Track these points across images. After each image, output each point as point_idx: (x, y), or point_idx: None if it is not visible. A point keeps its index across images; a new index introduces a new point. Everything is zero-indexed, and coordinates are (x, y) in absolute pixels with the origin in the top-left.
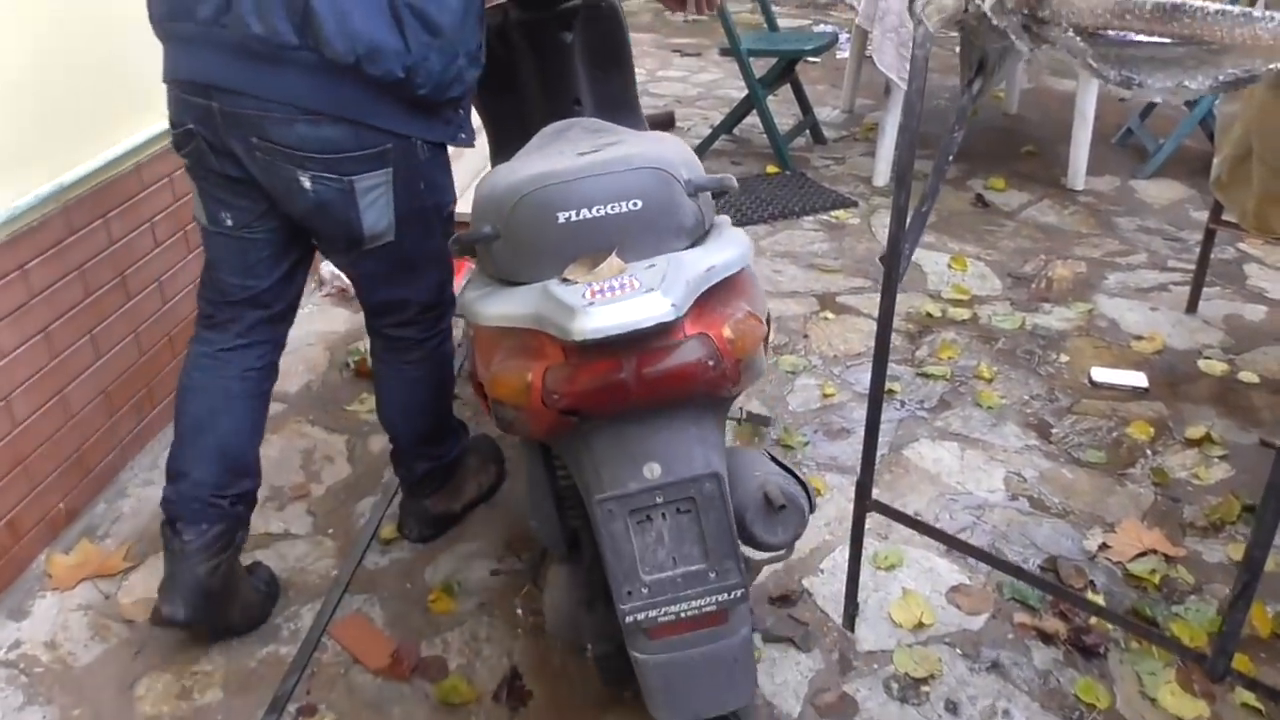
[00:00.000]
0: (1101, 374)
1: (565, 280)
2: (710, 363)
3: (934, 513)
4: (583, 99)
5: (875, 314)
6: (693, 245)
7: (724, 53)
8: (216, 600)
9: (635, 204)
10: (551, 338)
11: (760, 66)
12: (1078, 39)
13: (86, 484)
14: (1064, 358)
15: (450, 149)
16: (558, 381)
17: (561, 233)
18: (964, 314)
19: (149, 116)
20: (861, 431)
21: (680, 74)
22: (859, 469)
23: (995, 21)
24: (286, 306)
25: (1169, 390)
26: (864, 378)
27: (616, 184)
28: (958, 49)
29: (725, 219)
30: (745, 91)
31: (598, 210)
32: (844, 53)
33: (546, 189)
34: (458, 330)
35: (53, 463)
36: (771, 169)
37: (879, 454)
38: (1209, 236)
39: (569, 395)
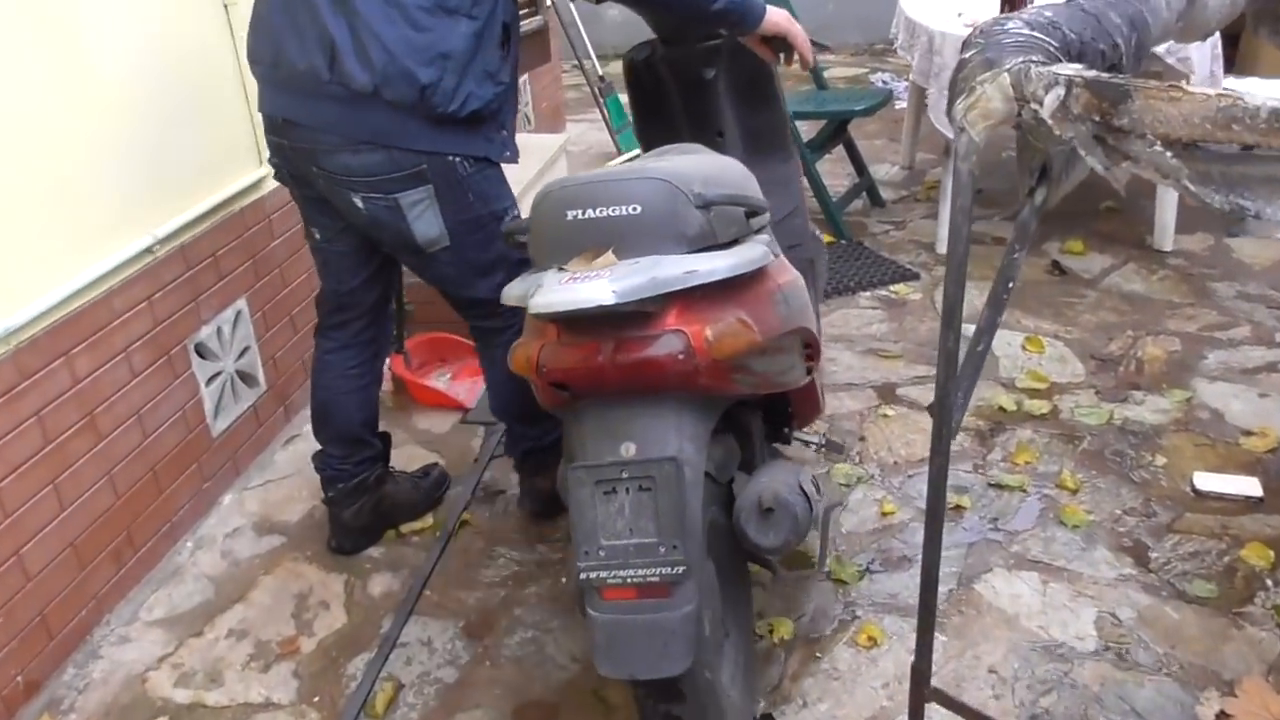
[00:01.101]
0: (1206, 480)
1: (562, 269)
2: (681, 357)
3: (1011, 669)
4: (725, 131)
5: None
6: (701, 251)
7: None
8: (365, 531)
9: (634, 209)
10: (554, 320)
11: (809, 127)
12: (1168, 154)
13: (50, 650)
14: (1160, 460)
15: None
16: (547, 357)
17: (569, 228)
18: (1042, 407)
19: (120, 236)
20: None
21: None
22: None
23: (1058, 131)
24: (374, 306)
25: None
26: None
27: (620, 190)
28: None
29: (762, 238)
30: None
31: (600, 211)
32: (902, 102)
33: (563, 189)
34: None
35: (6, 633)
36: (826, 239)
37: (946, 588)
38: None
39: (555, 370)
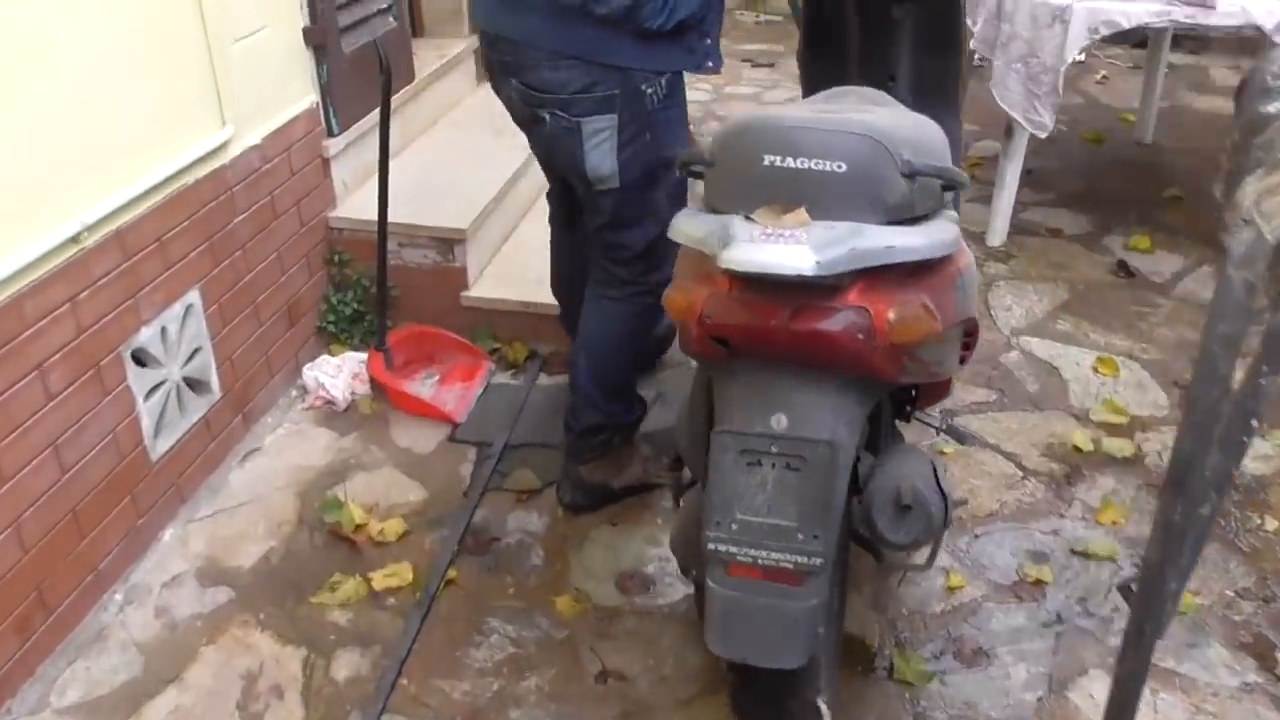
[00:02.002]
0: None
1: (750, 219)
2: (860, 336)
3: None
4: (898, 76)
5: (1008, 444)
6: (896, 224)
7: None
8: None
9: (839, 166)
10: (727, 271)
11: None
12: None
13: None
14: (1271, 523)
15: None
16: (714, 308)
17: (763, 174)
18: (1124, 447)
19: (35, 224)
20: (1006, 654)
21: (750, 89)
22: None
23: None
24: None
25: None
26: (1001, 555)
27: (826, 141)
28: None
29: (952, 214)
30: None
31: (801, 162)
32: None
33: (763, 130)
34: None
35: None
36: None
37: (1034, 694)
38: None
39: (722, 324)
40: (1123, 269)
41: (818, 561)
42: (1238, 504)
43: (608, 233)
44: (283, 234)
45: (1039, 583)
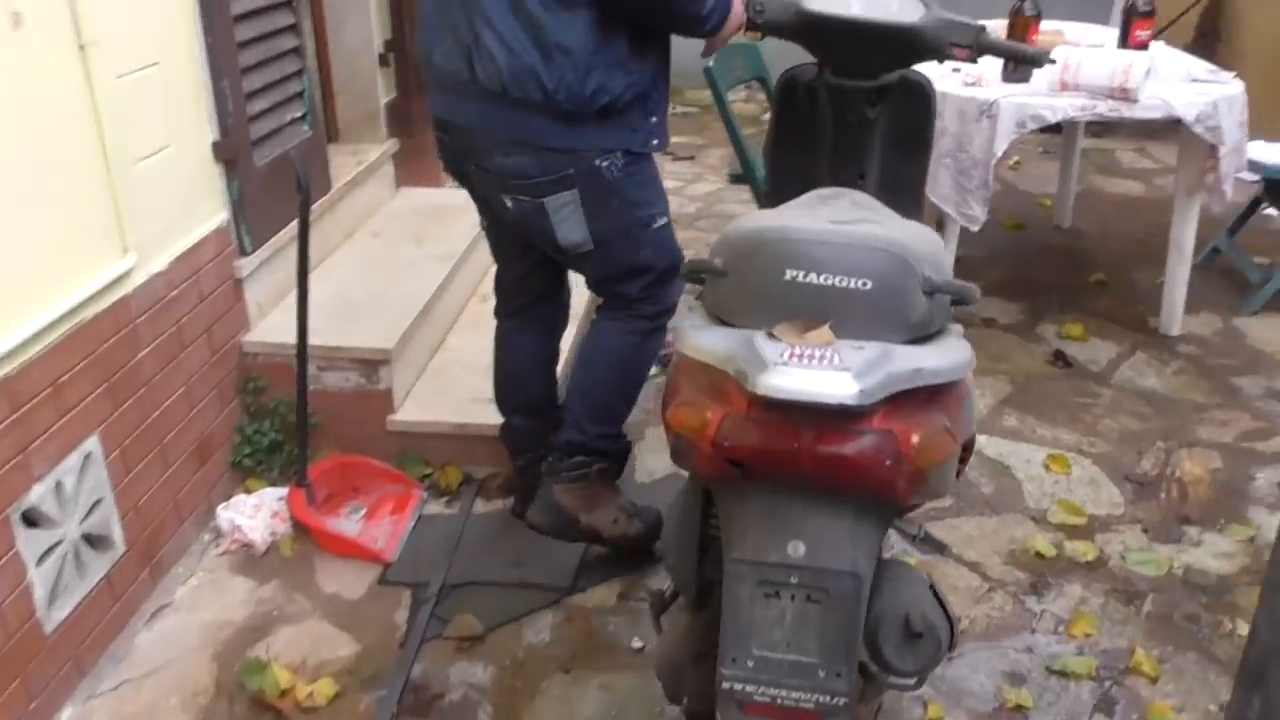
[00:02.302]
0: None
1: (772, 335)
2: (888, 462)
3: None
4: (867, 174)
5: (969, 552)
6: (913, 342)
7: (736, 180)
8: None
9: (864, 283)
10: (740, 385)
11: None
12: None
13: None
14: (1243, 626)
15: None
16: (732, 429)
17: (785, 289)
18: (1087, 550)
19: None
20: None
21: (673, 184)
22: None
23: None
24: (549, 290)
25: None
26: (977, 679)
27: (850, 258)
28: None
29: (958, 328)
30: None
31: (825, 278)
32: None
33: (783, 242)
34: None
35: None
36: None
37: None
38: None
39: (739, 446)
40: (1060, 359)
41: (842, 701)
42: (1206, 606)
43: (602, 286)
44: (192, 365)
45: (1020, 708)
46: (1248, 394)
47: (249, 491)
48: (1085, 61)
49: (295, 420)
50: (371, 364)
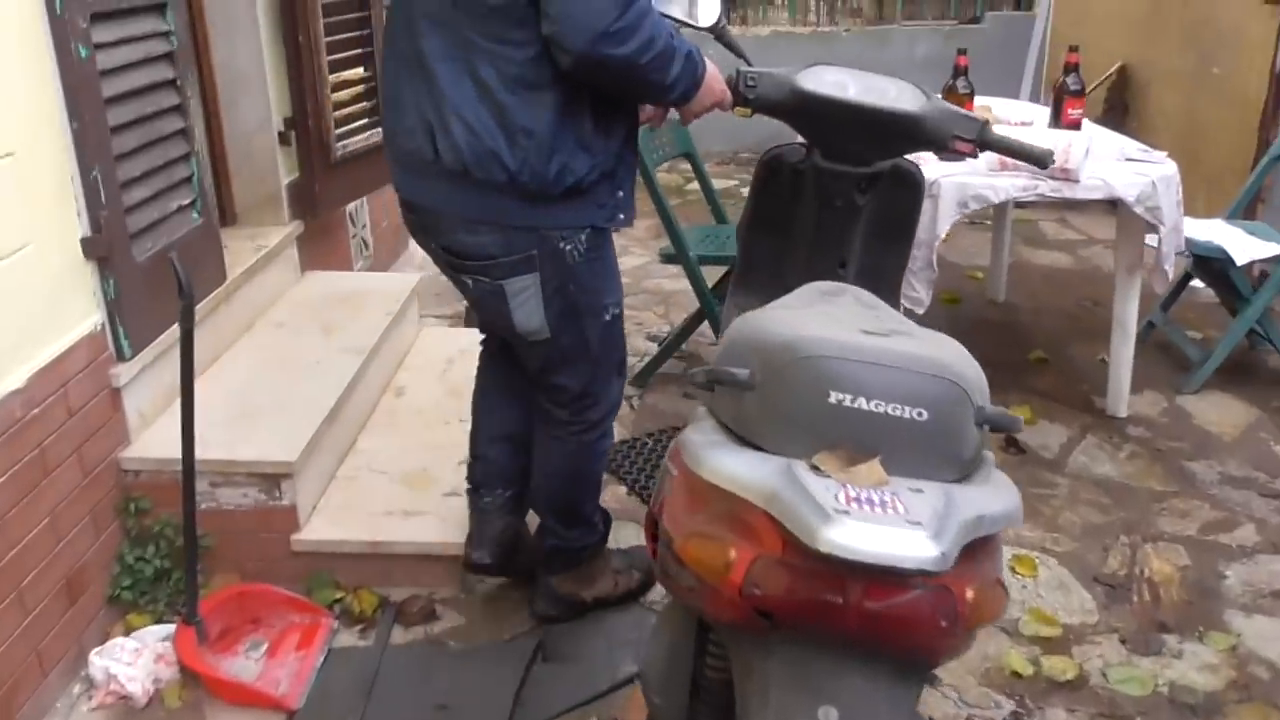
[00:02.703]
0: None
1: (816, 469)
2: (944, 622)
3: None
4: (848, 263)
5: (942, 673)
6: (961, 480)
7: (668, 259)
8: (506, 552)
9: (920, 414)
10: (774, 522)
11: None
12: None
13: None
14: None
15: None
16: (765, 576)
17: (828, 413)
18: (1066, 668)
19: None
20: None
21: None
22: None
23: None
24: None
25: None
26: None
27: (907, 384)
28: None
29: (990, 457)
30: (685, 284)
31: (877, 405)
32: None
33: (827, 360)
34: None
35: None
36: None
37: None
38: None
39: (773, 596)
40: (1012, 445)
41: None
42: None
43: (544, 376)
44: (58, 492)
45: None
46: (1203, 480)
47: (130, 629)
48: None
49: (184, 547)
50: (272, 478)
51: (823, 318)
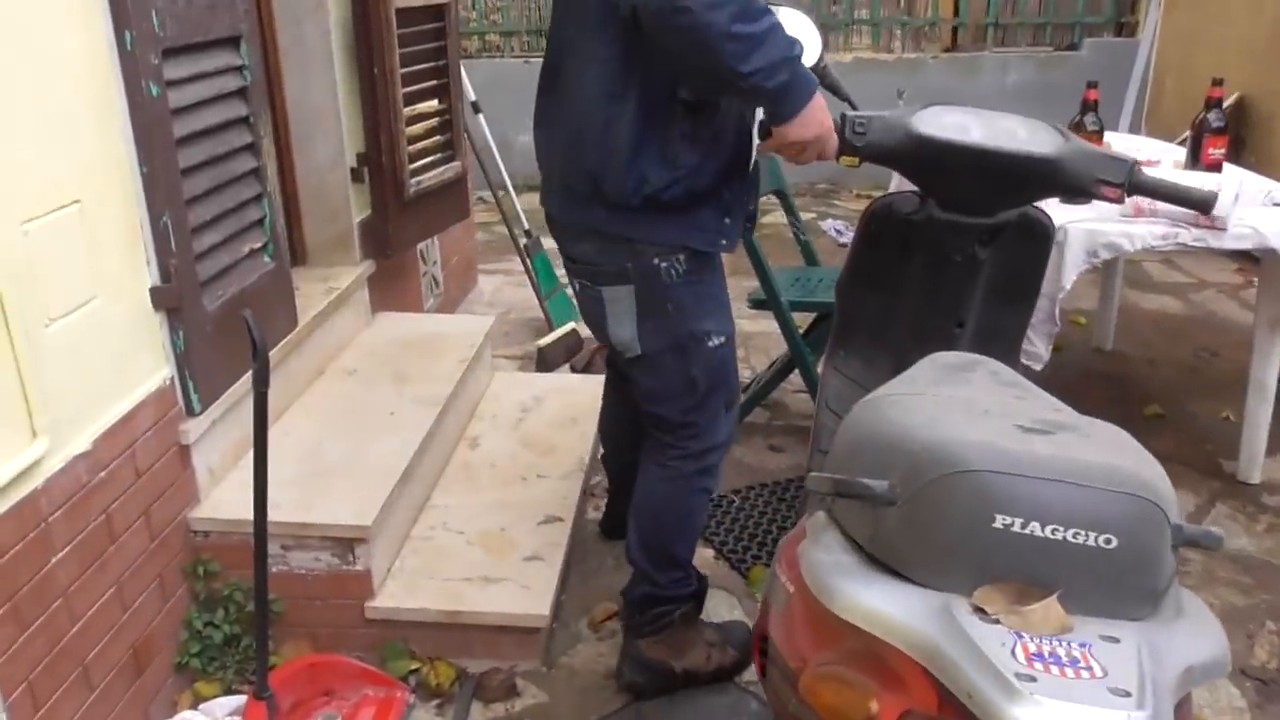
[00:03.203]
0: None
1: (981, 611)
2: None
3: None
4: (965, 323)
5: None
6: (1151, 616)
7: (757, 305)
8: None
9: (1108, 540)
10: (926, 671)
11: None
12: None
13: None
14: None
15: None
16: None
17: (994, 541)
18: None
19: None
20: None
21: None
22: None
23: None
24: None
25: None
26: None
27: (1091, 505)
28: None
29: (1175, 583)
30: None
31: (1054, 531)
32: None
33: (992, 476)
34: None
35: None
36: None
37: None
38: None
39: None
40: None
41: None
42: None
43: (645, 404)
44: (125, 558)
45: None
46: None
47: (198, 698)
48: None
49: (255, 614)
50: (346, 543)
51: (967, 409)
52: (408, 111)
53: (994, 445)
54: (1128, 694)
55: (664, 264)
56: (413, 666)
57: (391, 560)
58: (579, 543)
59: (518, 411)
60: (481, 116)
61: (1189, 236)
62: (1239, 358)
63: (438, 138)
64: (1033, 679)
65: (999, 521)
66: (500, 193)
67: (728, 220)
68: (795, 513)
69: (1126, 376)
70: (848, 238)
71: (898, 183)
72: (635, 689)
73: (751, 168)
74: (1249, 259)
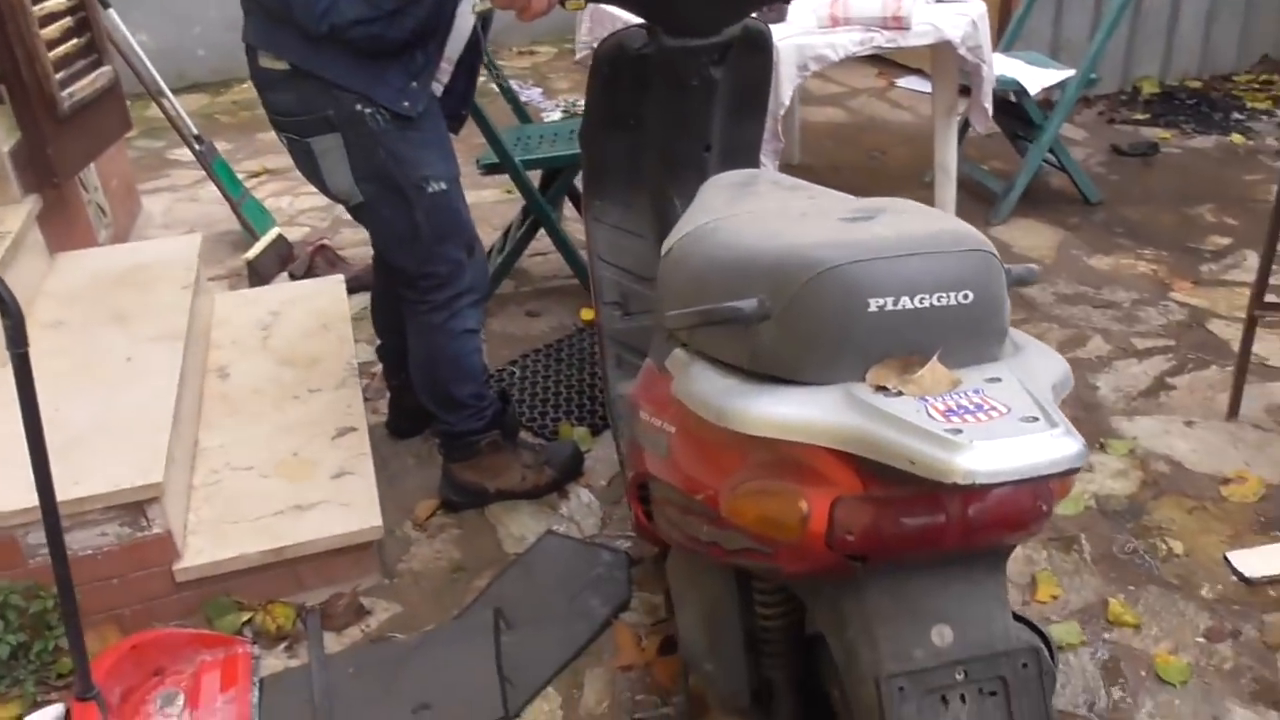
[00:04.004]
0: (1247, 564)
1: (882, 389)
2: (1044, 506)
3: None
4: (713, 145)
5: None
6: (1006, 355)
7: (489, 170)
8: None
9: (966, 296)
10: (844, 460)
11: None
12: None
13: None
14: (1177, 545)
15: None
16: (854, 517)
17: (871, 323)
18: None
19: None
20: None
21: None
22: None
23: None
24: None
25: None
26: None
27: (948, 268)
28: None
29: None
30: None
31: (921, 300)
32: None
33: (857, 266)
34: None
35: None
36: (588, 314)
37: None
38: (1251, 325)
39: (868, 537)
40: None
41: None
42: (1133, 532)
43: (382, 254)
44: None
45: None
46: (1043, 303)
47: None
48: None
49: (54, 609)
50: (135, 507)
51: (785, 216)
52: (36, 10)
53: (841, 240)
54: (1035, 419)
55: (367, 110)
56: (245, 618)
57: (184, 516)
58: (375, 451)
59: (258, 331)
60: (113, 12)
61: (882, 39)
62: (903, 152)
63: (77, 40)
64: (959, 431)
65: (873, 305)
66: (163, 100)
67: (415, 84)
68: (594, 365)
69: (820, 184)
70: (526, 94)
71: (588, 28)
72: (452, 506)
73: (471, 34)
74: (885, 63)
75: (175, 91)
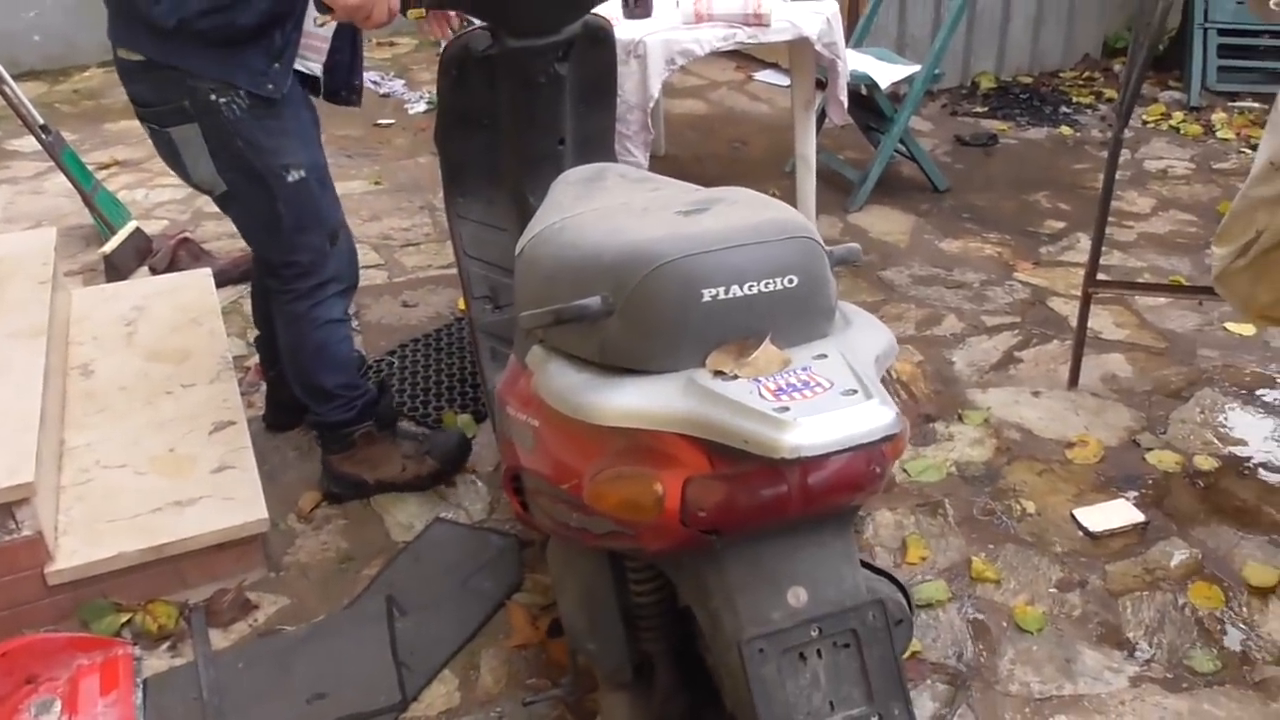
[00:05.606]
0: (1091, 520)
1: (720, 373)
2: (878, 469)
3: None
4: (566, 138)
5: None
6: (834, 330)
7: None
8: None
9: (791, 280)
10: (690, 441)
11: None
12: None
13: None
14: (1029, 505)
15: None
16: (704, 495)
17: (706, 313)
18: None
19: None
20: None
21: None
22: None
23: None
24: None
25: (1160, 512)
26: None
27: (771, 256)
28: None
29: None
30: (369, 193)
31: (750, 287)
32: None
33: (689, 259)
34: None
35: None
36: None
37: None
38: (1086, 302)
39: (719, 512)
40: None
41: None
42: (990, 494)
43: (248, 244)
44: None
45: (913, 654)
46: (900, 285)
47: None
48: None
49: None
50: (4, 508)
51: (628, 212)
52: None
53: (675, 234)
54: (854, 391)
55: (222, 100)
56: (124, 619)
57: (55, 517)
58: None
59: (121, 326)
60: None
61: (745, 35)
62: (763, 143)
63: None
64: (787, 409)
65: (706, 296)
66: (4, 87)
67: (277, 65)
68: (467, 354)
69: (684, 175)
70: (389, 87)
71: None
72: (334, 498)
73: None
74: (744, 58)
75: (20, 78)
